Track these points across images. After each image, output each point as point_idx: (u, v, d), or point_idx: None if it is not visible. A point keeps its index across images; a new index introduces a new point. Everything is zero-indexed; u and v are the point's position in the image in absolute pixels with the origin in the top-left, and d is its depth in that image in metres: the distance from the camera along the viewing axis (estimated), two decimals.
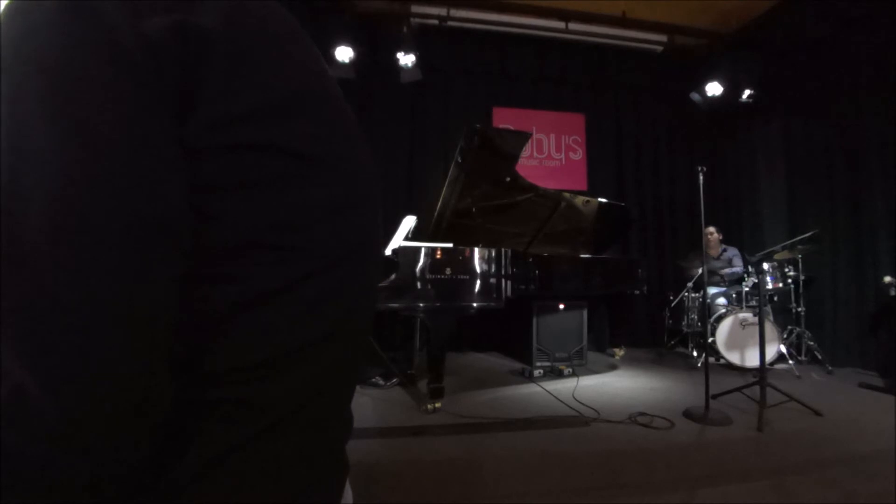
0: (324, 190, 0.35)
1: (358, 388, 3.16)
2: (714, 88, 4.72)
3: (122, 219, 0.24)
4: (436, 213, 3.30)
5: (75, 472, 0.24)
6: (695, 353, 4.19)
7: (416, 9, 4.57)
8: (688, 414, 2.64)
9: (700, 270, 3.86)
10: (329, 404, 0.40)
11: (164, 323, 0.27)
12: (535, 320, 3.82)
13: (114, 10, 0.25)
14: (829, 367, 3.79)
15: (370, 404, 2.86)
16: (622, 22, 4.79)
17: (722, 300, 4.17)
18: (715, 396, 2.75)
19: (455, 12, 4.62)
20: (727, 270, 4.33)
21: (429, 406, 2.66)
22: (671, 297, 4.52)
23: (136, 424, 0.26)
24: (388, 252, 2.77)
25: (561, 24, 4.82)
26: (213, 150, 0.28)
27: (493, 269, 2.84)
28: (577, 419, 2.61)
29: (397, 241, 2.99)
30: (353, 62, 4.27)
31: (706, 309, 3.53)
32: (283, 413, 0.34)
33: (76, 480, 0.24)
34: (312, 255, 0.34)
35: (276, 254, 0.32)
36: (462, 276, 2.74)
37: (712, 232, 4.43)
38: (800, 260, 3.97)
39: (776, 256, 3.94)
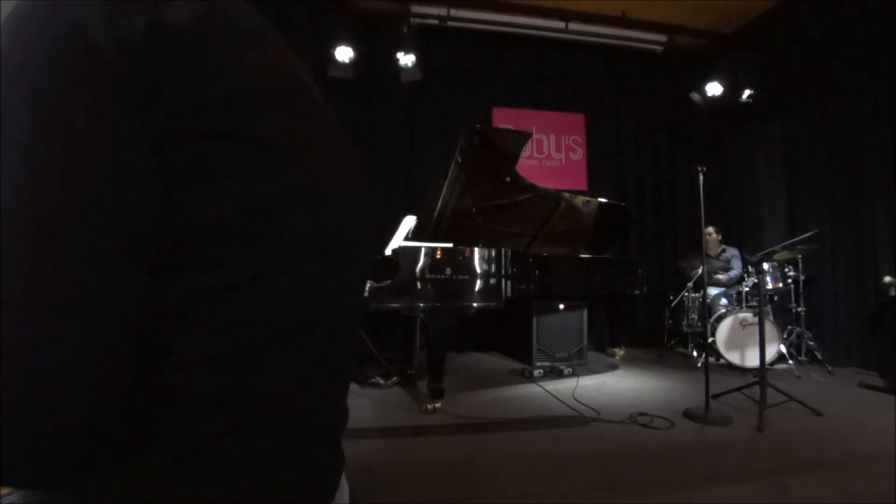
0: (291, 179, 0.35)
1: (358, 388, 3.16)
2: (714, 88, 4.72)
3: (92, 209, 0.26)
4: (436, 213, 3.30)
5: (45, 421, 0.26)
6: (695, 353, 4.19)
7: (416, 9, 4.57)
8: (688, 414, 2.64)
9: (700, 270, 3.86)
10: (315, 397, 0.40)
11: (131, 311, 0.28)
12: (535, 320, 3.82)
13: (93, 16, 0.27)
14: (829, 367, 3.79)
15: (370, 404, 2.86)
16: (622, 22, 4.79)
17: (723, 300, 4.17)
18: (715, 396, 2.75)
19: (455, 12, 4.61)
20: (722, 276, 4.33)
21: (429, 406, 2.66)
22: (671, 297, 4.52)
23: (102, 392, 0.27)
24: (388, 252, 2.77)
25: (561, 24, 4.82)
26: (178, 138, 0.29)
27: (493, 269, 2.84)
28: (577, 419, 2.61)
29: (397, 241, 2.99)
30: (353, 62, 4.27)
31: (706, 309, 3.53)
32: (261, 405, 0.34)
33: (48, 428, 0.26)
34: (282, 244, 0.34)
35: (244, 242, 0.32)
36: (462, 276, 2.73)
37: (711, 232, 4.42)
38: (800, 260, 3.97)
39: (776, 256, 3.94)
